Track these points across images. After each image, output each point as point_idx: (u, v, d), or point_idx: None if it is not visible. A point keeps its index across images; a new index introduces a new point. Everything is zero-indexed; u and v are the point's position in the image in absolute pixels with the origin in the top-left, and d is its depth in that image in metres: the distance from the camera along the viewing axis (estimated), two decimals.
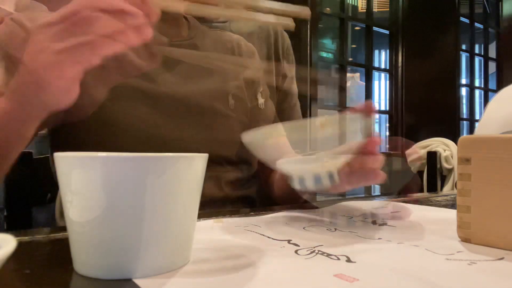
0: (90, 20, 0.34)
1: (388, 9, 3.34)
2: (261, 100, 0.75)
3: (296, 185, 0.49)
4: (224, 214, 0.52)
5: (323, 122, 0.55)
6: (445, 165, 1.96)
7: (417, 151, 2.08)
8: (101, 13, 0.34)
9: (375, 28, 3.18)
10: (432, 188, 2.00)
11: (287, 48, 0.85)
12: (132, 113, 0.61)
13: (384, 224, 0.47)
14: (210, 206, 0.67)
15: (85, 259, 0.29)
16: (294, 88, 0.88)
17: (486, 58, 3.96)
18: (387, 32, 3.28)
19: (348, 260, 0.32)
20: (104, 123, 0.61)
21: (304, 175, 0.48)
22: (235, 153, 0.71)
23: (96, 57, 0.36)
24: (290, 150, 0.55)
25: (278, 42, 0.83)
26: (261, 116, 0.76)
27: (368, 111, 0.49)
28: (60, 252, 0.34)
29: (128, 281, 0.28)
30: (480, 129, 0.81)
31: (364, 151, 0.48)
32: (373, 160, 0.49)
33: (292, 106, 0.86)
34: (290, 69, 0.86)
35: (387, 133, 3.38)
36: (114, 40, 0.35)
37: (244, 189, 0.75)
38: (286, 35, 0.86)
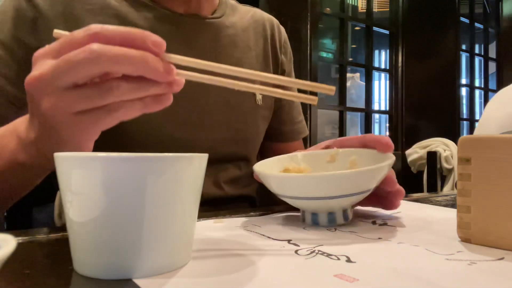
0: (111, 86, 0.34)
1: (388, 9, 3.34)
2: (258, 96, 0.75)
3: (308, 221, 0.46)
4: (224, 214, 0.52)
5: (333, 154, 0.54)
6: (445, 165, 1.96)
7: (417, 151, 2.08)
8: (123, 81, 0.35)
9: (375, 28, 3.18)
10: (432, 188, 2.00)
11: (285, 42, 0.85)
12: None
13: (384, 224, 0.47)
14: (209, 205, 0.67)
15: (85, 259, 0.29)
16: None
17: (486, 58, 3.96)
18: (387, 32, 3.28)
19: (348, 260, 0.32)
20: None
21: (317, 211, 0.46)
22: (233, 150, 0.71)
23: (112, 120, 0.37)
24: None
25: (275, 36, 0.82)
26: (259, 113, 0.75)
27: (385, 148, 0.48)
28: (60, 252, 0.34)
29: (128, 281, 0.28)
30: (480, 129, 0.81)
31: (383, 187, 0.48)
32: (394, 195, 0.49)
33: (291, 102, 0.86)
34: (288, 63, 0.85)
35: (387, 133, 3.38)
36: (132, 107, 0.36)
37: (243, 187, 0.75)
38: (282, 29, 0.85)
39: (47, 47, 0.36)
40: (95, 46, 0.33)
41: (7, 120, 0.59)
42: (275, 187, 0.46)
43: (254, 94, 0.74)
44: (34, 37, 0.59)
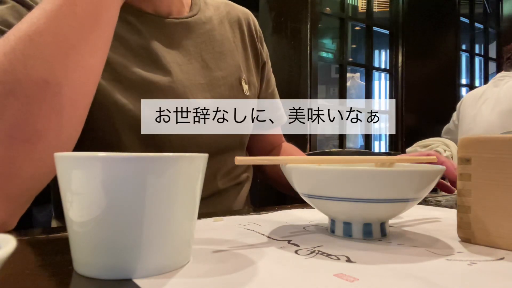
0: None
1: (388, 9, 3.34)
2: (245, 87, 0.75)
3: (339, 231, 0.41)
4: (224, 214, 0.52)
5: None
6: None
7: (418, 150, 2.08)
8: None
9: (375, 28, 3.19)
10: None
11: (260, 32, 0.85)
12: (126, 107, 0.61)
13: None
14: (204, 199, 0.67)
15: (85, 259, 0.29)
16: (272, 74, 0.88)
17: (486, 58, 3.96)
18: (387, 32, 3.28)
19: (348, 260, 0.32)
20: (106, 118, 0.60)
21: (351, 221, 0.40)
22: (230, 142, 0.72)
23: None
24: None
25: (252, 28, 0.82)
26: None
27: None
28: (60, 252, 0.34)
29: (128, 281, 0.28)
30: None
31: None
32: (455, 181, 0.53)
33: (271, 93, 0.87)
34: (266, 55, 0.86)
35: (387, 133, 3.39)
36: None
37: (236, 178, 0.75)
38: (256, 20, 0.86)
39: None
40: None
41: None
42: (298, 184, 0.40)
43: (241, 85, 0.74)
44: None
